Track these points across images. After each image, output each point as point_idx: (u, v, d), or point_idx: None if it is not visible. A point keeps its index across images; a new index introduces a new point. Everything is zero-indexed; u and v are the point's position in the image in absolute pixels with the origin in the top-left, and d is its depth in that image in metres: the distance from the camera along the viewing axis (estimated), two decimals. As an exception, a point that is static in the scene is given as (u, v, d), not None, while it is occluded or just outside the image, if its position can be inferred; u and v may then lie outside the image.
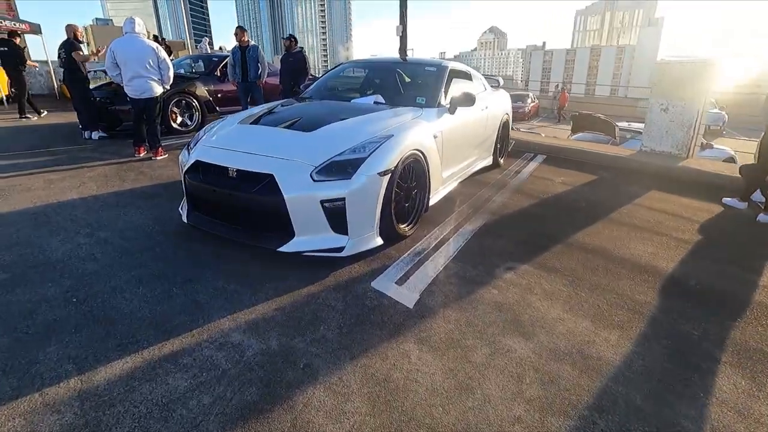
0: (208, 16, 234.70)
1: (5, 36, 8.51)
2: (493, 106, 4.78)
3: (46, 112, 8.88)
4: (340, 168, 2.58)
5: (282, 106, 3.74)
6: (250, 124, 3.20)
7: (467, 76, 4.56)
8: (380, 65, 4.58)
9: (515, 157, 6.01)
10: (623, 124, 9.63)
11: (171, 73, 5.16)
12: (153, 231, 3.14)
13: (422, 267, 2.70)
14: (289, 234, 2.57)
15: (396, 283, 2.51)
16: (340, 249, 2.61)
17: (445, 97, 3.77)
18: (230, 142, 2.94)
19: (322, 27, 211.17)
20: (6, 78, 10.28)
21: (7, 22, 10.38)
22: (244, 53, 7.04)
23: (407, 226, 3.10)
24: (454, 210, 3.76)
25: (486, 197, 4.15)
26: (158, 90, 5.13)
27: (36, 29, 11.80)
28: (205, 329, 2.02)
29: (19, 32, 9.35)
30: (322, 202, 2.50)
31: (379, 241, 2.80)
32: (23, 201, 3.71)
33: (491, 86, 5.48)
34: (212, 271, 2.57)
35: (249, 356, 1.85)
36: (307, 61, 7.38)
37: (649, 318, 2.28)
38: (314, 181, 2.52)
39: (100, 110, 6.52)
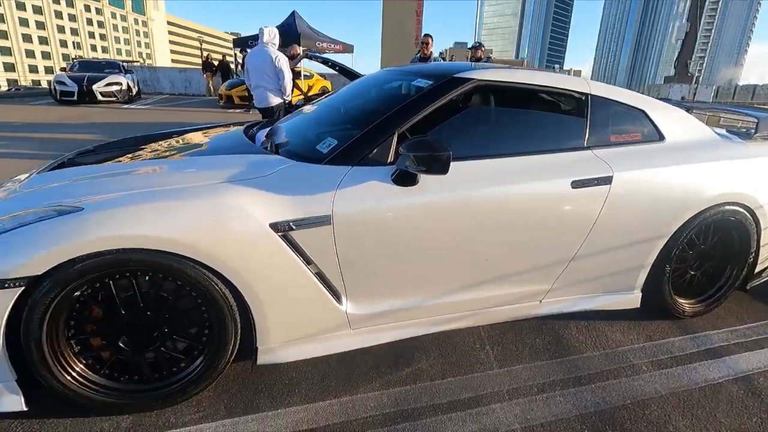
0: (566, 38, 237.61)
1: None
2: (660, 176, 1.95)
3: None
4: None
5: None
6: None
7: (567, 100, 1.98)
8: (373, 79, 2.53)
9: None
10: None
11: (287, 83, 4.85)
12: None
13: None
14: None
15: None
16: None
17: (393, 147, 1.65)
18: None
19: (704, 43, 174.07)
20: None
21: (324, 44, 13.13)
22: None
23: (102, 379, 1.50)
24: None
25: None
26: (275, 101, 4.93)
27: (349, 49, 14.55)
28: None
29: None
30: None
31: (15, 405, 1.42)
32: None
33: (723, 134, 2.38)
34: None
35: None
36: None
37: None
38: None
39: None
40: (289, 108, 5.45)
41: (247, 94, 12.29)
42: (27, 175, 1.96)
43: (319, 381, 1.74)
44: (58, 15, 71.08)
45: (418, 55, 6.34)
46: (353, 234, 1.60)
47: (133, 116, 10.22)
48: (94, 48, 78.48)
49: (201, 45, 31.93)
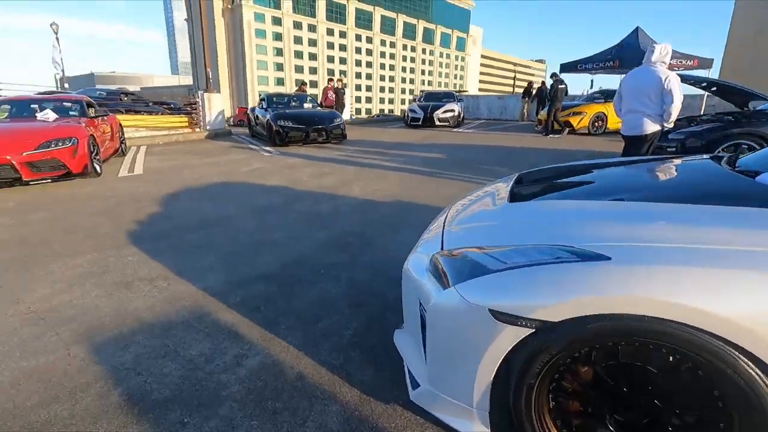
0: None
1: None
2: None
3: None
4: (460, 265, 1.48)
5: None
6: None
7: None
8: None
9: None
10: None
11: (673, 109, 4.01)
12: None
13: None
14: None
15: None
16: (414, 385, 1.61)
17: None
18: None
19: None
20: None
21: (674, 60, 11.08)
22: None
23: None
24: None
25: None
26: (651, 128, 4.19)
27: (707, 64, 11.78)
28: None
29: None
30: (420, 301, 1.62)
31: (478, 433, 1.39)
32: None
33: None
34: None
35: None
36: None
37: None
38: (427, 268, 1.64)
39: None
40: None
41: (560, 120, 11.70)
42: (473, 199, 2.08)
43: None
44: (404, 59, 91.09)
45: None
46: None
47: (463, 138, 11.44)
48: (423, 82, 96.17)
49: (515, 75, 33.63)
